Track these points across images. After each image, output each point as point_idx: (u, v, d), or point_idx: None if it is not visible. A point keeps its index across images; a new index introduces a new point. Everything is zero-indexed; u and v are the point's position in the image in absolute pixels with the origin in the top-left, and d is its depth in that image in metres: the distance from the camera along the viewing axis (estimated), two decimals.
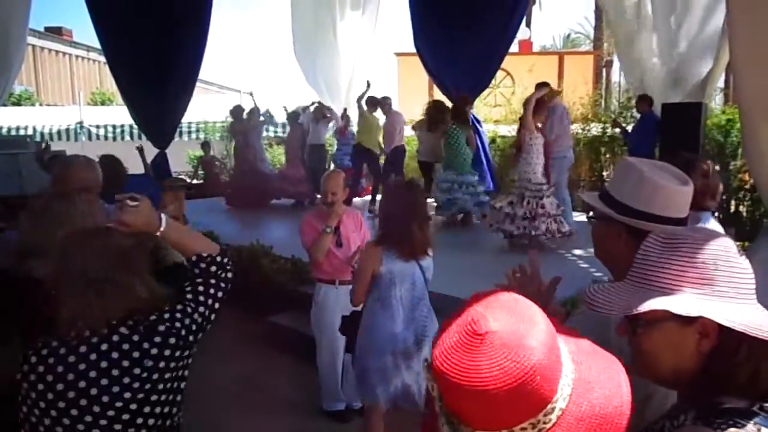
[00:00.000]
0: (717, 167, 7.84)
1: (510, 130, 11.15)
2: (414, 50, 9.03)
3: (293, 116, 10.06)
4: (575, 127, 9.43)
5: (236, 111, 10.13)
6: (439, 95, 9.25)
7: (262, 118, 10.25)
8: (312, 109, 9.98)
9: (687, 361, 0.97)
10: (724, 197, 7.58)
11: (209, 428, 3.50)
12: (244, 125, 9.90)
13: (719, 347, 0.95)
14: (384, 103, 8.95)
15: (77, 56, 25.59)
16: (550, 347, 0.78)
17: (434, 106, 7.86)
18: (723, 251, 0.97)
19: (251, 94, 10.12)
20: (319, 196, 10.03)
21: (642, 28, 7.72)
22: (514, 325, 0.78)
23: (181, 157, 14.43)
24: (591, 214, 1.55)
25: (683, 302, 0.94)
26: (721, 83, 11.67)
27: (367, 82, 9.39)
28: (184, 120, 11.53)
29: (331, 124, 10.13)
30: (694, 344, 0.96)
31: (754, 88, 1.60)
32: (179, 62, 8.93)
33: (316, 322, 3.71)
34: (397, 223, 2.92)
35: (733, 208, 7.77)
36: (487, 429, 0.79)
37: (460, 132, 7.25)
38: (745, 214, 7.59)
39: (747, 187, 7.48)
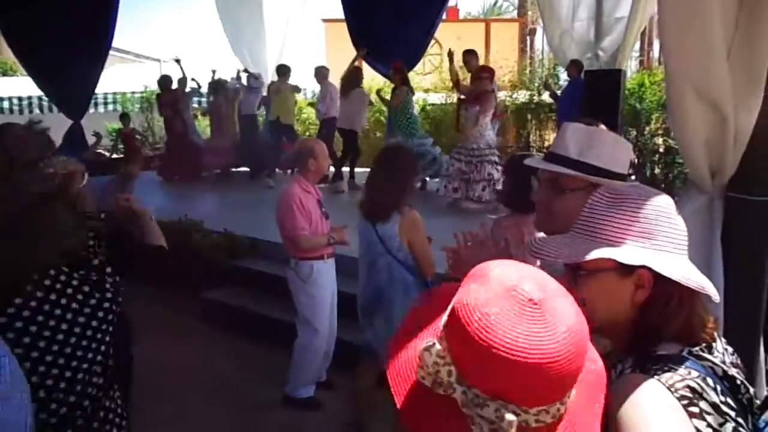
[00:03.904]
0: (633, 132, 8.30)
1: (440, 98, 11.25)
2: (342, 16, 8.80)
3: (216, 85, 9.70)
4: (503, 95, 9.63)
5: (164, 81, 9.69)
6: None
7: (189, 89, 9.85)
8: (245, 77, 9.62)
9: (622, 311, 1.02)
10: (639, 160, 8.01)
11: (154, 414, 3.18)
12: (172, 96, 9.50)
13: (654, 298, 1.01)
14: (319, 72, 8.68)
15: None
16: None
17: (348, 72, 7.92)
18: (664, 208, 1.03)
19: (178, 61, 9.58)
20: (244, 168, 9.77)
21: None
22: (557, 293, 0.75)
23: (98, 130, 13.61)
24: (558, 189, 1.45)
25: (627, 253, 0.99)
26: (636, 49, 12.20)
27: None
28: (100, 90, 10.87)
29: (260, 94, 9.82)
30: (629, 295, 1.01)
31: (679, 51, 1.67)
32: (88, 28, 8.32)
33: (309, 303, 3.44)
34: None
35: (648, 171, 8.23)
36: (532, 406, 0.72)
37: (411, 97, 7.50)
38: (659, 176, 8.06)
39: (661, 150, 7.93)
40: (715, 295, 1.00)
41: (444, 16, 9.89)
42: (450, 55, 7.35)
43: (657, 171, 8.14)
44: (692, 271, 1.00)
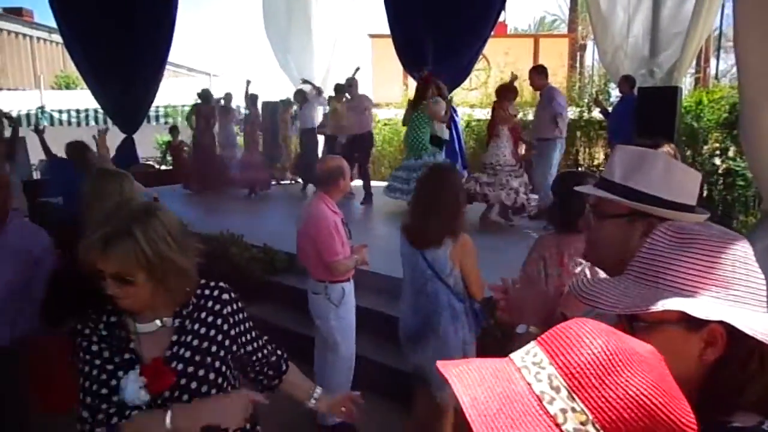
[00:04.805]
0: (689, 151, 7.94)
1: (486, 114, 11.08)
2: (388, 32, 8.77)
3: (252, 100, 9.79)
4: None
5: (204, 94, 9.86)
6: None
7: (235, 105, 10.06)
8: (308, 89, 9.71)
9: (686, 372, 0.86)
10: None
11: None
12: (209, 109, 9.67)
13: (727, 357, 0.85)
14: (351, 85, 8.62)
15: (38, 38, 24.58)
16: None
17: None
18: (741, 252, 0.87)
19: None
20: (280, 181, 9.88)
21: (617, 10, 7.70)
22: None
23: (148, 143, 14.04)
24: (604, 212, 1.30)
25: (700, 305, 0.84)
26: (692, 66, 11.74)
27: (357, 68, 8.94)
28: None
29: (321, 107, 9.80)
30: (697, 353, 0.86)
31: (758, 67, 1.51)
32: (147, 45, 8.60)
33: (340, 326, 3.35)
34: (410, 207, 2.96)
35: (705, 192, 7.81)
36: None
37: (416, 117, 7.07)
38: (717, 198, 7.63)
39: (720, 171, 7.52)
40: None
41: (492, 32, 9.73)
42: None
43: (715, 193, 7.71)
44: None
